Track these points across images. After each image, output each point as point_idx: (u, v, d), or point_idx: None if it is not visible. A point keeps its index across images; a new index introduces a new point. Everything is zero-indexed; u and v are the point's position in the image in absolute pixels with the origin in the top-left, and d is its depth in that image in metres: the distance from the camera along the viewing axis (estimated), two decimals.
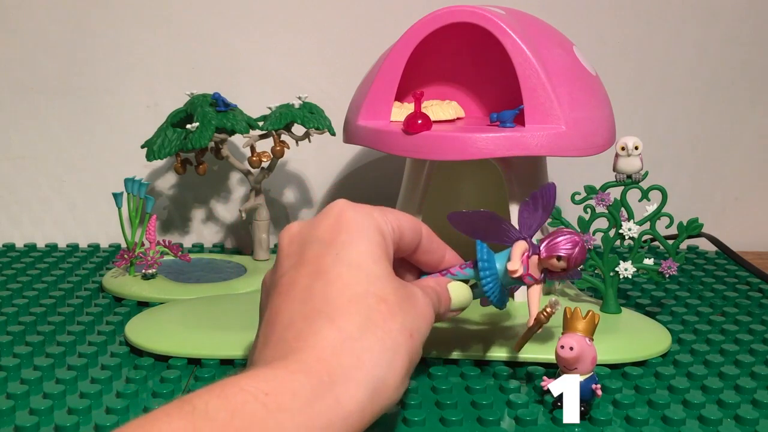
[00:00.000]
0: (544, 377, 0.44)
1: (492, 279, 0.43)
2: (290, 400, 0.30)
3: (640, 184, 0.55)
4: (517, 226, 0.45)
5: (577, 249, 0.43)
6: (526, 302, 0.47)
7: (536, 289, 0.45)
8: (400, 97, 0.58)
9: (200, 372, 0.49)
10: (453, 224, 0.45)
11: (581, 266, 0.46)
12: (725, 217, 0.83)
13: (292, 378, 0.31)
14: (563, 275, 0.45)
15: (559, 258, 0.43)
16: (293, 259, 0.38)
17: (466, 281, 0.45)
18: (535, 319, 0.44)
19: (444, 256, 0.44)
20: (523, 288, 0.45)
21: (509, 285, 0.45)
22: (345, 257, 0.36)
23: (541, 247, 0.44)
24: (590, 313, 0.44)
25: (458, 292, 0.43)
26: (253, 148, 0.67)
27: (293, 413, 0.30)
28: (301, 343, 0.33)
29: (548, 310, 0.44)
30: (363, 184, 0.80)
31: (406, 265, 0.45)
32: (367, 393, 0.32)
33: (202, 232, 0.81)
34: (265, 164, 0.68)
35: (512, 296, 0.48)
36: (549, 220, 0.53)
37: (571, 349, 0.42)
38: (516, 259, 0.43)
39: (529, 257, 0.44)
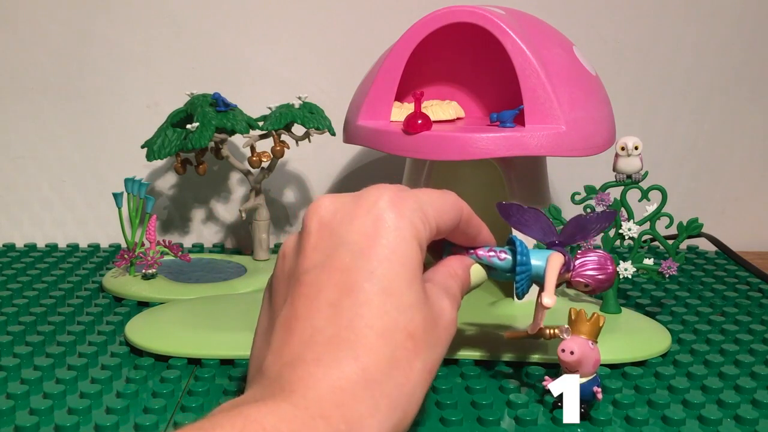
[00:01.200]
0: (545, 377, 0.44)
1: (526, 278, 0.42)
2: None
3: (640, 184, 0.55)
4: (557, 229, 0.44)
5: (607, 283, 0.43)
6: (524, 299, 0.47)
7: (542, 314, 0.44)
8: (400, 97, 0.58)
9: (200, 372, 0.49)
10: (500, 213, 0.44)
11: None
12: (725, 217, 0.83)
13: (312, 424, 0.29)
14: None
15: (586, 285, 0.43)
16: (320, 255, 0.35)
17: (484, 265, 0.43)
18: (540, 330, 0.44)
19: (478, 236, 0.42)
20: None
21: (534, 272, 0.43)
22: (378, 279, 0.33)
23: (574, 270, 0.43)
24: (595, 316, 0.43)
25: (476, 274, 0.42)
26: (253, 148, 0.67)
27: None
28: (321, 373, 0.31)
29: (556, 332, 0.44)
30: (363, 184, 0.80)
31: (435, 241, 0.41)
32: None
33: (202, 232, 0.81)
34: (265, 164, 0.68)
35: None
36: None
37: (572, 353, 0.42)
38: (551, 290, 0.41)
39: (561, 273, 0.42)
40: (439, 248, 0.43)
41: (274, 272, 0.38)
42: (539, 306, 0.43)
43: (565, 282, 0.44)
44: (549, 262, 0.42)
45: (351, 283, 0.33)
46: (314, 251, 0.35)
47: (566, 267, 0.43)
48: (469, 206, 0.40)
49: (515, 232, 0.45)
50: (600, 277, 0.43)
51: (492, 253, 0.42)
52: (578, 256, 0.43)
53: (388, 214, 0.35)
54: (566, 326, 0.43)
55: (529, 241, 0.44)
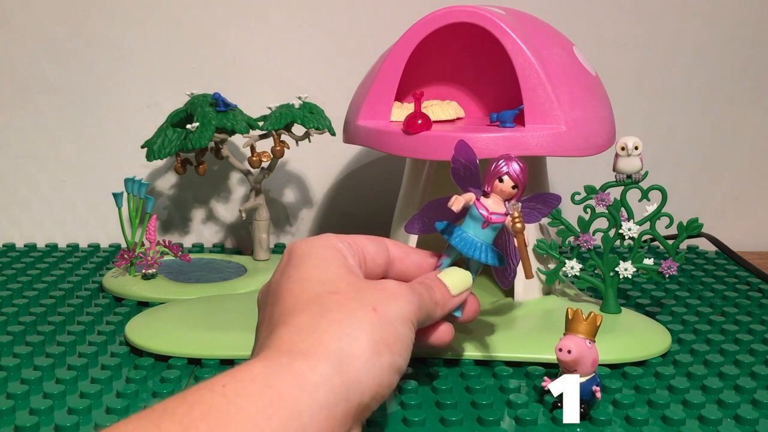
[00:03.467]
0: (545, 377, 0.44)
1: (465, 243, 0.43)
2: (248, 385, 0.30)
3: (640, 184, 0.54)
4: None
5: (514, 163, 0.42)
6: (524, 299, 0.47)
7: (520, 237, 0.43)
8: (400, 97, 0.58)
9: (200, 372, 0.49)
10: (412, 232, 0.47)
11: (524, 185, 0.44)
12: (725, 217, 0.83)
13: (249, 367, 0.31)
14: (532, 199, 0.44)
15: (501, 179, 0.42)
16: (262, 304, 0.40)
17: (457, 264, 0.44)
18: (512, 231, 0.42)
19: (425, 258, 0.44)
20: (524, 283, 0.44)
21: (490, 239, 0.44)
22: (293, 275, 0.37)
23: (487, 182, 0.43)
24: (592, 315, 0.43)
25: (451, 276, 0.43)
26: (253, 148, 0.67)
27: (253, 396, 0.30)
28: (259, 351, 0.34)
29: (514, 213, 0.42)
30: (363, 184, 0.80)
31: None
32: (329, 365, 0.32)
33: (202, 232, 0.81)
34: (265, 164, 0.68)
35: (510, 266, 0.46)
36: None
37: (569, 352, 0.42)
38: (456, 199, 0.42)
39: (479, 200, 0.43)
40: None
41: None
42: (517, 242, 0.42)
43: (504, 202, 0.43)
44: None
45: (276, 294, 0.37)
46: (261, 311, 0.40)
47: (479, 193, 0.43)
48: (391, 239, 0.44)
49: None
50: (502, 164, 0.42)
51: (442, 255, 0.44)
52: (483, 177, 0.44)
53: (299, 244, 0.40)
54: (512, 201, 0.43)
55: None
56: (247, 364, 0.32)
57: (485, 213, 0.42)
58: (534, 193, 0.45)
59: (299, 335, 0.33)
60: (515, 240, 0.42)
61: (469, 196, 0.43)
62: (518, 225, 0.42)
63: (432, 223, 0.45)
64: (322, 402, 0.31)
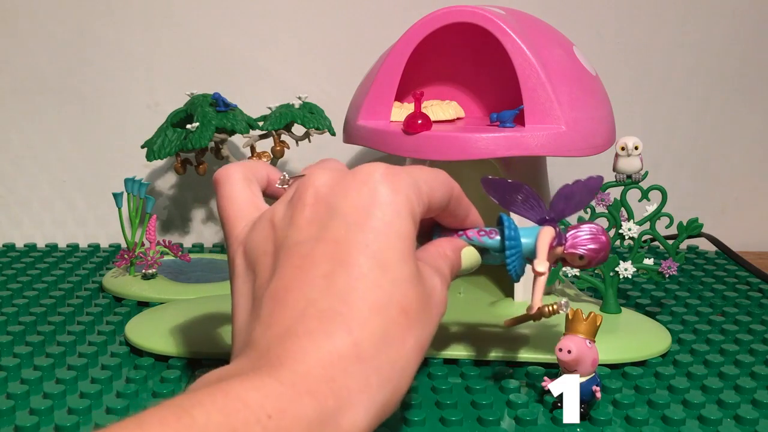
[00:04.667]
0: (545, 377, 0.44)
1: (517, 257, 0.41)
2: (291, 425, 0.28)
3: (640, 184, 0.55)
4: (548, 206, 0.43)
5: (602, 253, 0.42)
6: (524, 299, 0.47)
7: (544, 277, 0.42)
8: (400, 97, 0.58)
9: (200, 372, 0.49)
10: (486, 189, 0.43)
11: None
12: (725, 217, 0.83)
13: (298, 401, 0.29)
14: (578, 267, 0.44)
15: (581, 257, 0.42)
16: (314, 227, 0.34)
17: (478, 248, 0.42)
18: (539, 310, 0.42)
19: (467, 217, 0.41)
20: (524, 282, 0.44)
21: (522, 248, 0.42)
22: (373, 252, 0.32)
23: (567, 242, 0.42)
24: (592, 315, 0.43)
25: (469, 257, 0.41)
26: (253, 148, 0.67)
27: None
28: (311, 347, 0.30)
29: (555, 308, 0.42)
30: None
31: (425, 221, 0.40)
32: (369, 417, 0.31)
33: (202, 232, 0.81)
34: None
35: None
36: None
37: (569, 352, 0.42)
38: (542, 257, 0.41)
39: (553, 247, 0.42)
40: (428, 231, 0.42)
41: (252, 238, 0.36)
42: (535, 280, 0.42)
43: (559, 259, 0.43)
44: (539, 235, 0.41)
45: (345, 256, 0.32)
46: (309, 224, 0.34)
47: (558, 240, 0.42)
48: (459, 185, 0.40)
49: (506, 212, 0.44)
50: (593, 246, 0.42)
51: (482, 233, 0.42)
52: (570, 230, 0.42)
53: (383, 187, 0.34)
54: (565, 300, 0.42)
55: (523, 223, 0.43)
56: (298, 395, 0.29)
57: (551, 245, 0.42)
58: (576, 183, 0.43)
59: (355, 366, 0.31)
60: (534, 312, 0.42)
61: (550, 238, 0.41)
62: (547, 312, 0.42)
63: (505, 197, 0.43)
64: None
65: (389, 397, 0.31)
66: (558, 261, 0.43)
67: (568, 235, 0.42)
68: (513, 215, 0.43)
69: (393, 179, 0.35)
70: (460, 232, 0.42)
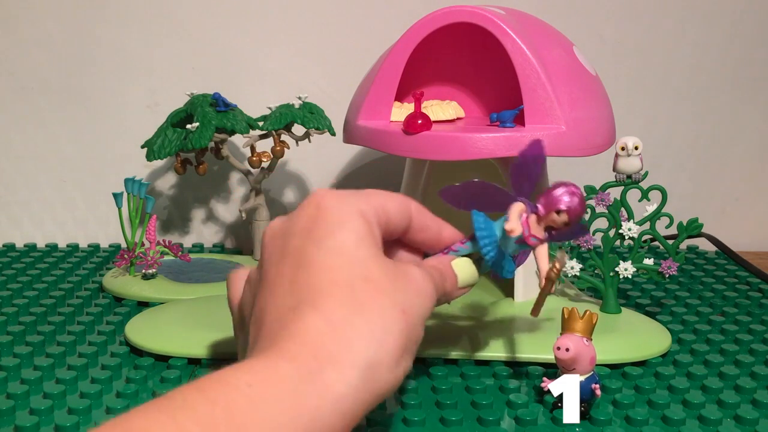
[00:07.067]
0: (544, 377, 0.44)
1: (492, 246, 0.41)
2: (274, 388, 0.29)
3: (640, 184, 0.55)
4: (511, 192, 0.42)
5: (577, 199, 0.41)
6: (524, 299, 0.47)
7: (543, 248, 0.42)
8: (400, 97, 0.58)
9: (200, 372, 0.49)
10: (446, 201, 0.43)
11: (585, 220, 0.43)
12: (725, 217, 0.83)
13: (276, 366, 0.30)
14: (567, 231, 0.42)
15: (559, 212, 0.41)
16: (276, 254, 0.37)
17: (470, 256, 0.42)
18: (546, 277, 0.42)
19: (441, 232, 0.42)
20: (524, 282, 0.44)
21: (514, 251, 0.42)
22: (327, 245, 0.35)
23: (539, 204, 0.41)
24: (587, 313, 0.43)
25: (463, 268, 0.41)
26: (253, 148, 0.67)
27: (277, 401, 0.29)
28: (284, 332, 0.32)
29: (557, 266, 0.41)
30: (363, 184, 0.80)
31: (408, 249, 0.42)
32: (358, 375, 0.31)
33: (202, 232, 0.81)
34: (265, 164, 0.68)
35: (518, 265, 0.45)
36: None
37: (567, 350, 0.42)
38: (513, 218, 0.40)
39: (528, 217, 0.41)
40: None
41: (242, 296, 0.40)
42: (536, 256, 0.42)
43: (545, 228, 0.42)
44: (509, 210, 0.41)
45: (303, 258, 0.35)
46: (270, 255, 0.37)
47: (530, 209, 0.41)
48: (417, 202, 0.41)
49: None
50: (567, 198, 0.40)
51: (464, 241, 0.42)
52: (539, 198, 0.41)
53: (329, 199, 0.37)
54: (560, 253, 0.42)
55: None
56: (274, 363, 0.31)
57: (526, 233, 0.41)
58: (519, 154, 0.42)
59: (330, 333, 0.32)
60: (544, 283, 0.42)
61: (519, 209, 0.41)
62: (553, 274, 0.41)
63: (467, 201, 0.43)
64: (345, 411, 0.31)
65: (376, 355, 0.32)
66: (547, 230, 0.42)
67: (539, 203, 0.41)
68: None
69: (336, 193, 0.38)
70: (446, 250, 0.42)
